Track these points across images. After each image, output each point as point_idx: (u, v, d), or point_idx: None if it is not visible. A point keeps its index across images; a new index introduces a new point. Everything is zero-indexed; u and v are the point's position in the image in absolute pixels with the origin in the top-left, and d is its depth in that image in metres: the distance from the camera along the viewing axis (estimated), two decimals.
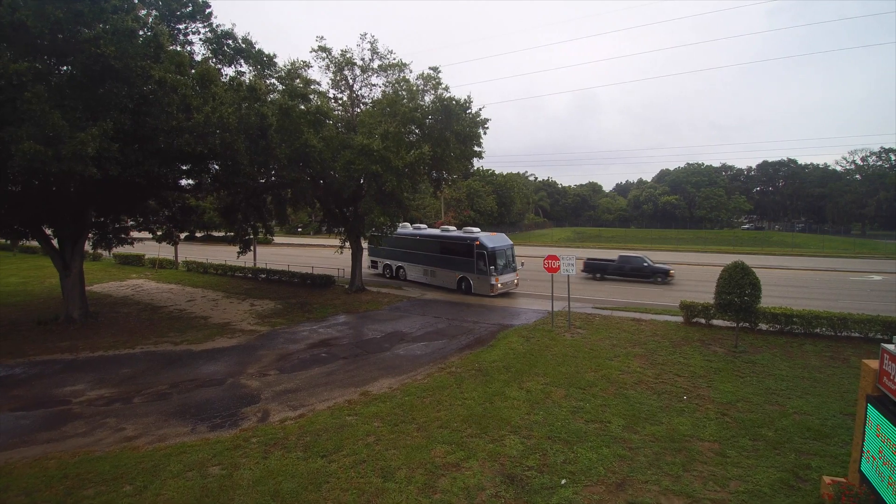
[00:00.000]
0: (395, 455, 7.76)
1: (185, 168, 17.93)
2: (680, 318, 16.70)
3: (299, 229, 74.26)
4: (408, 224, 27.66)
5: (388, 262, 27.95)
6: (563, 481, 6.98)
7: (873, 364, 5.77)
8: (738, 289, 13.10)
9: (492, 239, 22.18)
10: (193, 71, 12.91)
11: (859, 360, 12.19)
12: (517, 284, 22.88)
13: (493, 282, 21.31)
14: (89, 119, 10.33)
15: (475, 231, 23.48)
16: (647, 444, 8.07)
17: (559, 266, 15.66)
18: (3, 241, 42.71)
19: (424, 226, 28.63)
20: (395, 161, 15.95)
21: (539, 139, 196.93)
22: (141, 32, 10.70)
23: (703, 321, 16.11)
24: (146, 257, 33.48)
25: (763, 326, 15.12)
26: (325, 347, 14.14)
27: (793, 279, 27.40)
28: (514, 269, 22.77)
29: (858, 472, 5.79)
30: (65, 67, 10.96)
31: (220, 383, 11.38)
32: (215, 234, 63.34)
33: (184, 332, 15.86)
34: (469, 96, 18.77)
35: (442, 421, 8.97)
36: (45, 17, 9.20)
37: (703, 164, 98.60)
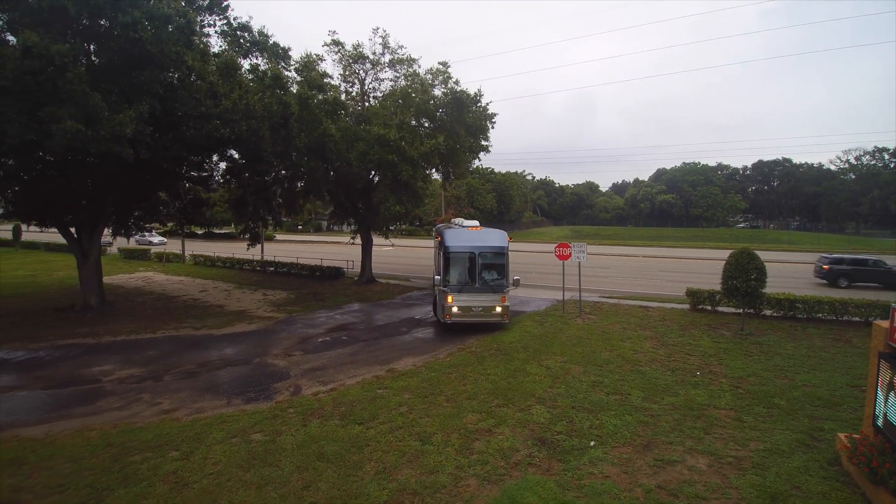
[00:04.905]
0: (428, 422, 8.12)
1: (202, 159, 18.18)
2: (686, 306, 17.16)
3: (300, 227, 74.37)
4: (461, 220, 20.74)
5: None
6: (592, 443, 7.38)
7: (884, 324, 6.21)
8: (743, 273, 13.57)
9: (459, 235, 14.42)
10: (217, 59, 13.25)
11: (861, 341, 12.84)
12: (505, 316, 14.11)
13: (446, 301, 13.56)
14: (124, 102, 10.69)
15: (465, 223, 15.94)
16: (667, 413, 8.48)
17: (570, 253, 16.08)
18: (6, 237, 42.76)
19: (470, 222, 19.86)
20: (410, 151, 16.36)
21: (536, 138, 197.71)
22: (176, 19, 11.06)
23: (708, 307, 16.57)
24: (152, 251, 33.59)
25: (767, 312, 15.61)
26: (344, 331, 14.47)
27: (792, 271, 28.03)
28: (500, 289, 13.91)
29: (872, 426, 6.22)
30: (101, 51, 11.23)
31: (246, 363, 11.68)
32: (216, 231, 63.25)
33: (202, 319, 16.13)
34: (480, 90, 19.20)
35: (469, 393, 9.34)
36: (84, 2, 9.51)
37: (699, 163, 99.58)
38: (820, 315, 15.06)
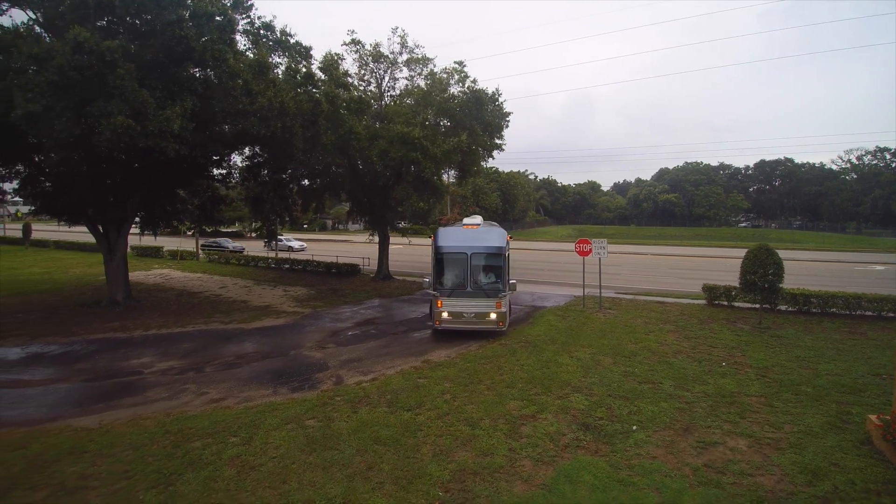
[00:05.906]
0: (474, 409, 8.46)
1: (222, 157, 18.47)
2: (702, 301, 17.55)
3: (305, 226, 74.63)
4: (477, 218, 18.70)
5: None
6: (635, 427, 7.74)
7: None
8: (761, 268, 13.93)
9: (452, 234, 13.55)
10: (246, 58, 13.57)
11: (876, 334, 13.26)
12: (501, 323, 12.85)
13: (436, 306, 12.81)
14: (167, 99, 11.03)
15: (471, 221, 14.41)
16: (700, 400, 8.85)
17: (590, 249, 16.44)
18: (14, 235, 42.97)
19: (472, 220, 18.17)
20: (433, 149, 16.71)
21: (538, 138, 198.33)
22: (218, 18, 11.38)
23: (725, 303, 16.95)
24: (165, 249, 33.85)
25: (782, 307, 15.98)
26: (371, 325, 14.81)
27: (802, 269, 28.40)
28: (496, 294, 12.66)
29: None
30: (145, 48, 11.50)
31: (283, 355, 12.01)
32: (223, 229, 63.42)
33: (229, 314, 16.44)
34: (498, 88, 19.56)
35: (507, 382, 9.70)
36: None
37: (701, 163, 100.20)
38: (834, 309, 15.46)
